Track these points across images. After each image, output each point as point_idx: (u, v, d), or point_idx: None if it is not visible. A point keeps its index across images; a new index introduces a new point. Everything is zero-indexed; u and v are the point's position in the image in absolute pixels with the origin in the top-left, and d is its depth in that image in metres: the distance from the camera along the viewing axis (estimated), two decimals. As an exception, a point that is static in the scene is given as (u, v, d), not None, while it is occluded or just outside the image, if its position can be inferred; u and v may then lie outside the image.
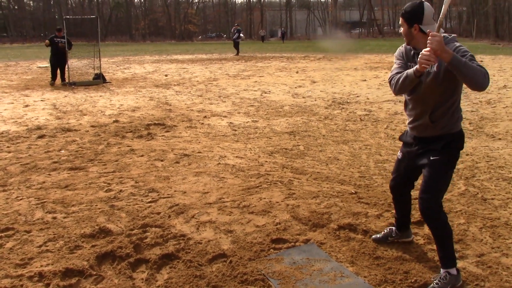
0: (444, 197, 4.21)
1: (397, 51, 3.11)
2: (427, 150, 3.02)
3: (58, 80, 14.38)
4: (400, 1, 73.79)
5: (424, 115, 2.96)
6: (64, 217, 4.04)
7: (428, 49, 2.61)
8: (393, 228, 3.54)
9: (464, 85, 2.76)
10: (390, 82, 3.01)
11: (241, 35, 29.80)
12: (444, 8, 2.74)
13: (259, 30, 63.93)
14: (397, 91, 2.95)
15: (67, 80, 14.19)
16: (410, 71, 2.79)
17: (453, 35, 2.92)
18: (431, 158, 2.97)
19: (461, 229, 3.70)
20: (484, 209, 4.11)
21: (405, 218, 3.49)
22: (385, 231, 3.58)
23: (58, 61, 14.25)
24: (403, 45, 3.08)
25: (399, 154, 3.33)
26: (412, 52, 2.97)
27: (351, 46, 35.05)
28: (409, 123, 3.13)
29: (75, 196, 4.55)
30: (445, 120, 2.93)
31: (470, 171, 5.19)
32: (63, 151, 6.31)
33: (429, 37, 2.62)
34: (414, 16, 2.85)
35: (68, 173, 5.33)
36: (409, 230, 3.54)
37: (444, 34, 2.84)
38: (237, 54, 28.73)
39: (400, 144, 3.36)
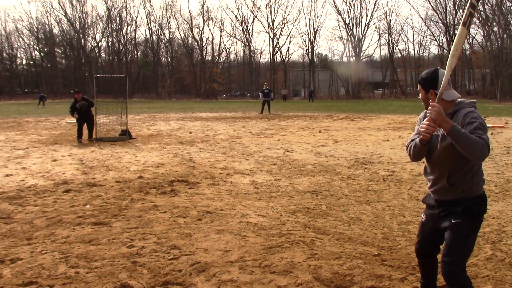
0: (470, 261, 4.14)
1: (420, 116, 3.19)
2: (449, 213, 3.01)
3: (85, 136, 14.72)
4: (422, 63, 74.78)
5: (442, 179, 2.99)
6: (87, 272, 4.06)
7: (427, 118, 2.74)
8: None
9: None
10: (407, 149, 3.12)
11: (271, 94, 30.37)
12: (444, 80, 2.85)
13: (281, 90, 65.09)
14: (412, 158, 3.07)
15: (94, 136, 14.55)
16: (417, 139, 2.93)
17: (471, 100, 3.00)
18: (453, 221, 2.97)
19: (488, 295, 3.61)
20: (512, 275, 4.01)
21: (431, 283, 3.43)
22: None
23: (84, 119, 14.63)
24: (423, 112, 3.16)
25: (422, 216, 3.32)
26: None
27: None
28: (429, 187, 3.16)
29: (98, 251, 4.59)
30: (465, 184, 2.94)
31: (497, 235, 5.09)
32: (88, 206, 6.41)
33: (429, 107, 2.74)
34: (430, 82, 2.99)
35: (92, 228, 5.39)
36: None
37: (462, 100, 2.93)
38: (269, 112, 29.07)
39: (424, 206, 3.36)
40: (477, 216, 2.99)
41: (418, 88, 3.11)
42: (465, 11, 2.90)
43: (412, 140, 3.06)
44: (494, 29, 58.02)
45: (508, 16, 53.55)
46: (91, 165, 9.93)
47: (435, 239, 3.26)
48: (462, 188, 2.95)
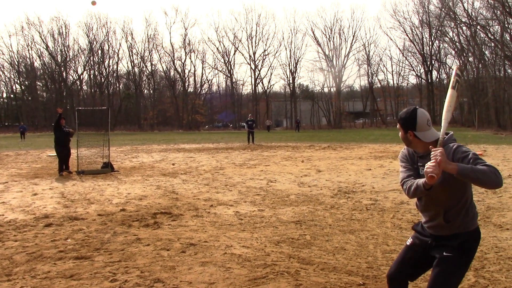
0: None
1: (400, 154, 3.19)
2: (442, 245, 2.97)
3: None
4: (402, 92, 76.17)
5: (438, 217, 2.96)
6: (68, 308, 3.98)
7: (433, 161, 2.66)
8: None
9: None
10: (402, 186, 3.02)
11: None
12: (441, 131, 2.87)
13: (266, 120, 65.50)
14: (411, 197, 2.95)
15: (76, 170, 14.41)
16: (420, 182, 2.81)
17: (449, 133, 2.99)
18: (444, 253, 2.92)
19: (473, 323, 3.61)
20: (495, 301, 4.03)
21: None
22: None
23: (64, 150, 14.48)
24: (405, 147, 3.15)
25: (409, 240, 3.23)
26: (416, 156, 3.05)
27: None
28: (424, 223, 3.12)
29: (80, 287, 4.51)
30: (460, 219, 2.93)
31: (480, 262, 5.13)
32: (69, 240, 6.31)
33: (432, 152, 2.70)
34: (408, 123, 2.96)
35: (74, 263, 5.30)
36: None
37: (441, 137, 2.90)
38: (253, 142, 29.43)
39: (411, 232, 3.31)
40: (470, 252, 2.96)
41: (398, 126, 3.09)
42: (452, 77, 2.96)
43: (408, 176, 2.99)
44: (469, 59, 59.53)
45: (482, 47, 55.03)
46: (73, 198, 9.81)
47: (416, 267, 3.17)
48: (457, 224, 2.93)
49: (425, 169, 2.69)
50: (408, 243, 3.23)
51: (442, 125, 2.88)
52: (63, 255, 5.58)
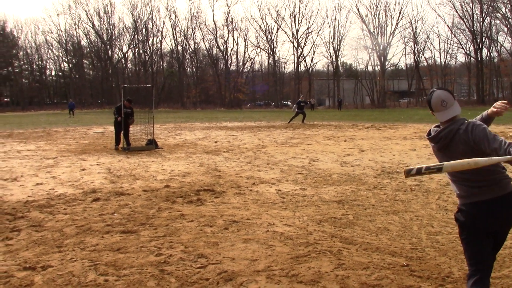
0: (502, 272, 4.06)
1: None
2: None
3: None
4: (449, 71, 73.80)
5: None
6: (116, 280, 4.12)
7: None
8: None
9: None
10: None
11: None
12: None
13: (310, 99, 65.06)
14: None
15: (121, 145, 14.77)
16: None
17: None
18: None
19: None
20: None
21: None
22: None
23: (123, 127, 14.99)
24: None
25: None
26: None
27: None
28: None
29: (127, 259, 4.65)
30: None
31: None
32: (116, 215, 6.49)
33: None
34: (428, 105, 3.23)
35: (121, 236, 5.46)
36: None
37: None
38: (303, 121, 29.07)
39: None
40: (459, 220, 3.17)
41: None
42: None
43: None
44: (523, 36, 57.06)
45: (537, 23, 52.58)
46: (119, 174, 10.06)
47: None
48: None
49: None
50: None
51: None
52: (110, 229, 5.76)
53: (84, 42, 78.45)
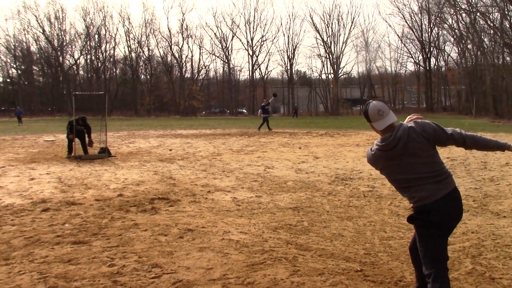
0: (451, 275, 4.18)
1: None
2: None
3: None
4: (399, 79, 75.97)
5: None
6: (66, 293, 3.99)
7: None
8: None
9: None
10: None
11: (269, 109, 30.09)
12: None
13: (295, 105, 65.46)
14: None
15: (73, 154, 14.40)
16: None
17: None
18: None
19: (470, 309, 3.64)
20: (492, 288, 4.05)
21: (424, 286, 3.55)
22: None
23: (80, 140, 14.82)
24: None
25: None
26: None
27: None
28: None
29: (78, 271, 4.51)
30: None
31: (477, 249, 5.15)
32: (67, 225, 6.31)
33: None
34: (366, 117, 3.42)
35: (72, 247, 5.30)
36: None
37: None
38: (269, 128, 28.81)
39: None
40: (418, 221, 3.36)
41: None
42: None
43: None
44: (468, 46, 59.37)
45: (482, 34, 54.82)
46: (70, 183, 9.79)
47: None
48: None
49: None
50: None
51: None
52: (60, 240, 5.58)
53: (33, 48, 76.05)
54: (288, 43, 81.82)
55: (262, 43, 77.24)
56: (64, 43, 75.16)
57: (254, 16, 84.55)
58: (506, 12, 47.45)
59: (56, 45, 74.33)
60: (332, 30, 76.85)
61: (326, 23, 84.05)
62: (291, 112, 65.76)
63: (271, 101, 30.54)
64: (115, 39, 76.51)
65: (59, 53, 74.94)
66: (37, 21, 73.62)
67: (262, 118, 29.32)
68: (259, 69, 78.10)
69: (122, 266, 4.64)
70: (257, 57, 76.86)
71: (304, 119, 54.10)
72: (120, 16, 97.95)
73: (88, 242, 5.52)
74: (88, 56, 76.54)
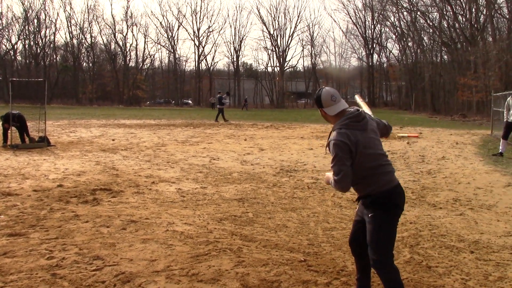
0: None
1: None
2: (365, 207, 3.36)
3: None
4: (344, 74, 77.55)
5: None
6: (2, 287, 3.82)
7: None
8: None
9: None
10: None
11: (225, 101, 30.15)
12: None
13: (210, 98, 65.04)
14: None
15: (9, 143, 13.80)
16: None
17: (352, 113, 3.39)
18: (369, 215, 3.29)
19: (408, 297, 3.76)
20: (429, 276, 4.21)
21: (365, 277, 3.66)
22: None
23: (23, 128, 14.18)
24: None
25: (355, 216, 3.65)
26: None
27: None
28: None
29: (14, 264, 4.33)
30: (363, 187, 3.35)
31: (414, 239, 5.34)
32: (2, 216, 6.04)
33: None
34: (317, 102, 3.45)
35: (7, 240, 5.08)
36: None
37: (350, 112, 3.38)
38: (224, 119, 28.88)
39: (350, 210, 3.58)
40: (384, 208, 3.27)
41: None
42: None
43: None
44: (409, 44, 61.33)
45: (422, 32, 56.78)
46: (6, 173, 9.37)
47: (361, 231, 3.49)
48: (362, 190, 3.38)
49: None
50: (355, 218, 3.67)
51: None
52: (-5, 232, 5.34)
53: (-34, 31, 72.25)
54: (234, 35, 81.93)
55: (208, 34, 77.00)
56: (0, 27, 71.72)
57: (201, 6, 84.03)
58: (445, 12, 49.39)
59: (-9, 28, 70.80)
60: (278, 24, 77.63)
61: (273, 16, 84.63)
62: (241, 104, 65.64)
63: (224, 96, 30.73)
64: (55, 25, 73.93)
65: (-5, 37, 71.42)
66: (-30, 2, 69.86)
67: (218, 109, 29.72)
68: (205, 60, 77.64)
69: (61, 259, 4.50)
70: (203, 48, 76.36)
71: (250, 111, 54.26)
72: (61, 0, 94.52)
73: (25, 234, 5.31)
74: (27, 41, 73.42)
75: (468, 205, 7.05)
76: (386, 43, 72.06)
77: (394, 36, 66.83)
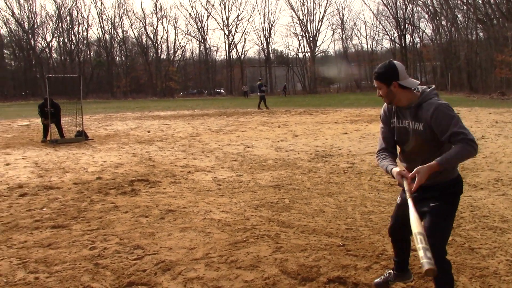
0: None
1: (381, 113, 3.23)
2: (426, 198, 3.00)
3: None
4: (376, 57, 76.23)
5: (416, 167, 2.94)
6: (47, 277, 3.93)
7: (413, 183, 2.82)
8: (392, 271, 3.55)
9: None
10: (376, 157, 3.22)
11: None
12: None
13: (242, 86, 65.20)
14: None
15: (49, 138, 14.16)
16: (389, 168, 3.01)
17: (431, 87, 3.01)
18: (431, 204, 2.97)
19: (451, 279, 3.68)
20: (472, 258, 4.12)
21: (405, 259, 3.51)
22: (385, 275, 3.57)
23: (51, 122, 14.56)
24: (384, 105, 3.17)
25: (398, 198, 3.34)
26: (394, 108, 3.10)
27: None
28: None
29: (58, 255, 4.45)
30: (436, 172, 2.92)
31: (456, 221, 5.19)
32: (45, 209, 6.20)
33: (415, 172, 2.81)
34: (391, 75, 2.97)
35: (51, 232, 5.22)
36: (409, 271, 3.54)
37: (423, 87, 2.96)
38: (266, 107, 29.11)
39: (388, 194, 3.42)
40: (454, 198, 3.02)
41: (376, 85, 3.06)
42: None
43: (382, 151, 3.16)
44: (442, 23, 59.76)
45: (455, 10, 55.21)
46: (47, 167, 9.63)
47: (408, 222, 3.28)
48: (435, 174, 2.90)
49: (402, 175, 2.89)
50: (398, 202, 3.33)
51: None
52: (39, 225, 5.49)
53: (3, 31, 74.20)
54: (264, 22, 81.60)
55: (238, 23, 76.96)
56: (35, 26, 73.41)
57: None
58: (479, -13, 47.84)
59: (26, 27, 72.57)
60: (307, 8, 76.93)
61: (302, 1, 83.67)
62: (281, 90, 65.27)
63: (258, 84, 30.91)
64: (87, 21, 75.23)
65: (30, 35, 73.21)
66: (6, 3, 71.92)
67: (259, 96, 29.87)
68: (236, 48, 77.62)
69: (103, 249, 4.59)
70: (233, 36, 76.36)
71: (282, 97, 54.06)
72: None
73: (67, 226, 5.44)
74: (61, 39, 75.00)
75: (510, 185, 6.85)
76: (419, 23, 70.56)
77: (426, 16, 65.21)
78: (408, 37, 71.51)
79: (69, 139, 14.30)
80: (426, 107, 2.88)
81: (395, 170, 2.95)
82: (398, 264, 3.50)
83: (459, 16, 55.97)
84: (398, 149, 3.20)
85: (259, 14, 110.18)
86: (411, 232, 3.34)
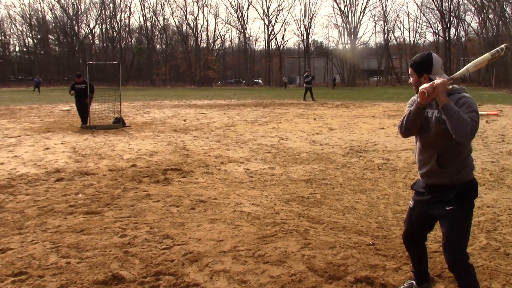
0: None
1: (409, 102, 3.16)
2: (441, 201, 2.98)
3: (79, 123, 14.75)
4: (418, 50, 74.53)
5: (431, 160, 2.97)
6: (78, 262, 4.01)
7: (430, 84, 2.77)
8: (413, 282, 3.44)
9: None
10: (398, 125, 3.09)
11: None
12: (457, 74, 2.95)
13: (283, 77, 65.07)
14: (404, 129, 3.03)
15: (87, 124, 14.46)
16: (413, 106, 2.93)
17: (461, 86, 2.98)
18: (447, 208, 2.94)
19: (483, 286, 3.57)
20: (507, 264, 3.98)
21: (423, 271, 3.40)
22: (405, 285, 3.48)
23: (82, 105, 14.74)
24: (416, 95, 3.12)
25: (411, 202, 3.29)
26: None
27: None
28: (419, 169, 3.14)
29: (90, 241, 4.53)
30: (454, 167, 2.93)
31: (492, 224, 5.06)
32: (80, 195, 6.34)
33: (437, 78, 2.79)
34: (424, 67, 2.97)
35: (84, 217, 5.33)
36: (430, 283, 3.44)
37: (453, 86, 2.91)
38: (313, 99, 29.17)
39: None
40: (469, 202, 2.98)
41: (409, 72, 3.08)
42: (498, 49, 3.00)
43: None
44: (489, 16, 57.89)
45: (504, 3, 53.37)
46: (84, 153, 9.84)
47: (422, 226, 3.24)
48: (450, 172, 2.92)
49: (420, 88, 2.81)
50: (410, 205, 3.28)
51: (460, 70, 3.00)
52: (73, 210, 5.62)
53: (49, 17, 76.31)
54: (304, 13, 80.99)
55: (278, 13, 76.97)
56: (79, 12, 74.98)
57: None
58: (530, -20, 46.06)
59: (71, 14, 74.22)
60: (349, -1, 75.47)
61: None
62: (331, 82, 64.68)
63: (304, 75, 31.12)
64: (130, 8, 76.48)
65: (74, 22, 74.88)
66: (52, -12, 73.27)
67: (305, 88, 30.11)
68: (275, 39, 77.72)
69: (133, 237, 4.65)
70: (273, 26, 76.32)
71: (320, 89, 53.62)
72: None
73: (100, 212, 5.54)
74: (104, 26, 76.51)
75: (552, 189, 6.60)
76: (464, 16, 68.51)
77: (473, 8, 63.36)
78: (452, 30, 69.68)
79: (107, 126, 14.57)
80: (453, 97, 2.86)
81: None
82: (416, 276, 3.41)
83: (507, 9, 54.15)
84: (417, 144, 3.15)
85: (300, 4, 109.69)
86: (425, 237, 3.27)
